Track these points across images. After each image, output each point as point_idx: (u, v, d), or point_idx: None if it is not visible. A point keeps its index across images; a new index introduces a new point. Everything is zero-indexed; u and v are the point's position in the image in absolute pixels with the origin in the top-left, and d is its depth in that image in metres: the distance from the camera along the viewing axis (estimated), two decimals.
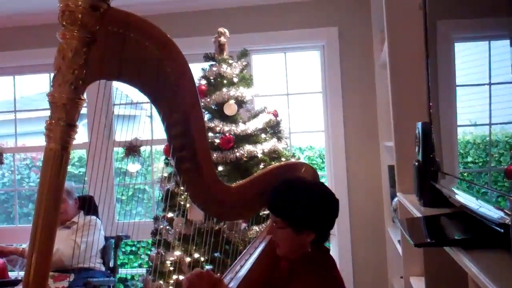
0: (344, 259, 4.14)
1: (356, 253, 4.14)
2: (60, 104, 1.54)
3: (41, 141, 1.63)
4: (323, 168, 4.58)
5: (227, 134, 3.13)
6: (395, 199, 3.39)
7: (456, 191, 1.64)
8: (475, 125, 1.58)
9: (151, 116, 4.62)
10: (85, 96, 1.59)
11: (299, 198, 1.85)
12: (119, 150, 4.40)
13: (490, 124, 1.41)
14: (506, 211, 1.18)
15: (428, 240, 1.52)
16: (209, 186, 1.96)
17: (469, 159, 1.62)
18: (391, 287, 3.86)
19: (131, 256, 6.30)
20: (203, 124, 1.97)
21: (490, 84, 1.37)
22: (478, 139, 1.53)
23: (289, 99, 4.48)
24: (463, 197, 1.54)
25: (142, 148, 4.23)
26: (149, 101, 1.85)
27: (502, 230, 1.23)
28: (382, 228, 4.04)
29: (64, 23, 1.55)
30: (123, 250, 6.25)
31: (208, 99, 3.21)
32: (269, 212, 1.96)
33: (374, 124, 4.13)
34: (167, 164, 3.27)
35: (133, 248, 6.30)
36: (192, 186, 1.97)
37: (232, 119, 3.21)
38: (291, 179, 1.97)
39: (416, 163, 2.14)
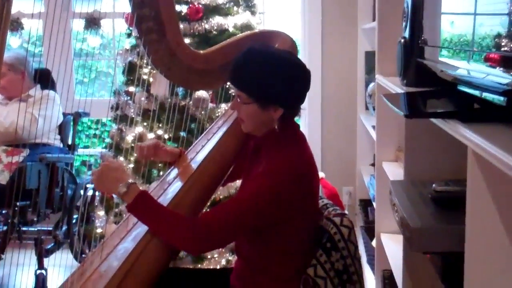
0: (314, 148, 4.04)
1: (326, 141, 4.04)
2: None
3: None
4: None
5: (195, 4, 2.86)
6: (371, 85, 3.24)
7: (452, 61, 1.47)
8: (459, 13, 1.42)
9: None
10: None
11: (263, 69, 1.63)
12: (78, 29, 4.05)
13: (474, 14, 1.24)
14: None
15: (422, 111, 1.35)
16: (174, 48, 1.75)
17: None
18: (359, 173, 3.80)
19: (94, 140, 6.13)
20: None
21: None
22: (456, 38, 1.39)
23: None
24: (461, 65, 1.36)
25: (102, 23, 3.92)
26: None
27: (504, 98, 1.07)
28: (354, 116, 3.93)
29: None
30: (86, 133, 6.07)
31: None
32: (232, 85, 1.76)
33: (353, 6, 3.89)
34: (129, 35, 3.01)
35: (97, 132, 6.12)
36: (155, 48, 1.75)
37: None
38: (255, 47, 1.70)
39: (402, 40, 1.97)
